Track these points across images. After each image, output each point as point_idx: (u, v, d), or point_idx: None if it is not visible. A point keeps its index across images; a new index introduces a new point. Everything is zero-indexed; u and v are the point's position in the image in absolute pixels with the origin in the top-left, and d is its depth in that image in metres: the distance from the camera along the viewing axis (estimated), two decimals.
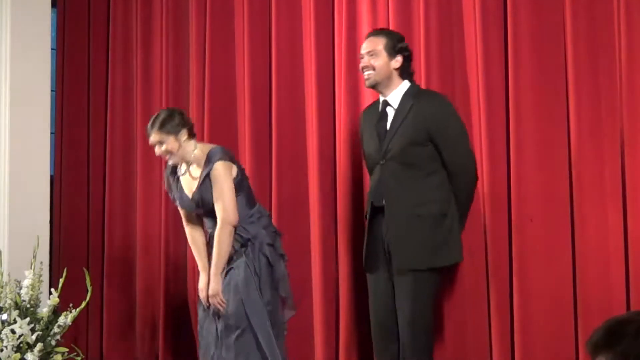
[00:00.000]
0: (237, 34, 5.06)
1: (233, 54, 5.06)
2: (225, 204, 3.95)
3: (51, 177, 5.54)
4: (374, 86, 3.90)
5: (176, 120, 4.06)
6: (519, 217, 4.00)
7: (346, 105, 4.51)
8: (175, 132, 4.03)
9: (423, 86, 4.20)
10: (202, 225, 4.16)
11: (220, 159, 3.98)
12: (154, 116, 4.13)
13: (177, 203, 4.17)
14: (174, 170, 4.16)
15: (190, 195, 4.06)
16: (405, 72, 3.87)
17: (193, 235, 4.17)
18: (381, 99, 3.92)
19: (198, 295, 4.11)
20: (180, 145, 4.03)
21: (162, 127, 4.03)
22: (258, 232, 4.00)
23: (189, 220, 4.19)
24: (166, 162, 4.18)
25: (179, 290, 5.18)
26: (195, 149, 4.06)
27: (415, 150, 3.75)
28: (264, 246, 3.98)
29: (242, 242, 3.98)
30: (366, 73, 3.88)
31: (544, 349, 3.90)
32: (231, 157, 4.06)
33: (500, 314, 4.02)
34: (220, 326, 3.95)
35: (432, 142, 3.74)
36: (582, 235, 3.85)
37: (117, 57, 5.61)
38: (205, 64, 5.09)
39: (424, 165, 3.75)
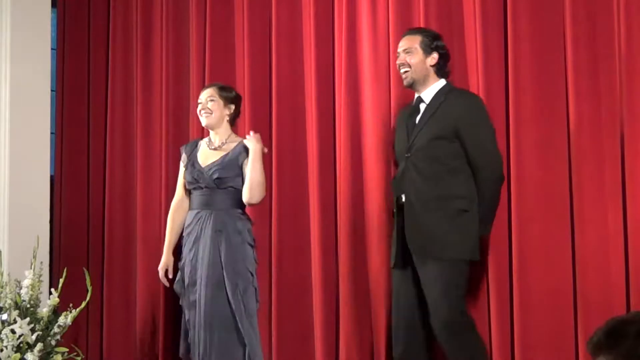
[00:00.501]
0: (237, 34, 5.06)
1: (233, 54, 5.05)
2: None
3: (51, 177, 5.54)
4: (411, 85, 3.94)
5: (234, 96, 4.41)
6: (519, 217, 4.00)
7: (346, 106, 4.52)
8: (227, 102, 4.36)
9: None
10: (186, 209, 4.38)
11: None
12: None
13: (186, 173, 4.37)
14: (192, 144, 4.47)
15: (204, 166, 4.28)
16: (441, 70, 3.91)
17: (176, 218, 4.41)
18: (416, 95, 3.96)
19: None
20: (221, 115, 4.34)
21: (222, 90, 4.38)
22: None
23: (181, 202, 4.41)
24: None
25: None
26: (228, 132, 4.38)
27: (440, 145, 3.77)
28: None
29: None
30: (403, 71, 3.93)
31: (544, 349, 3.90)
32: None
33: (500, 314, 4.02)
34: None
35: (458, 138, 3.76)
36: (582, 235, 3.85)
37: (117, 57, 5.61)
38: (205, 64, 5.09)
39: (448, 161, 3.76)
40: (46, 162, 5.46)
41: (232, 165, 4.25)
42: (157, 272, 5.32)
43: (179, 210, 4.40)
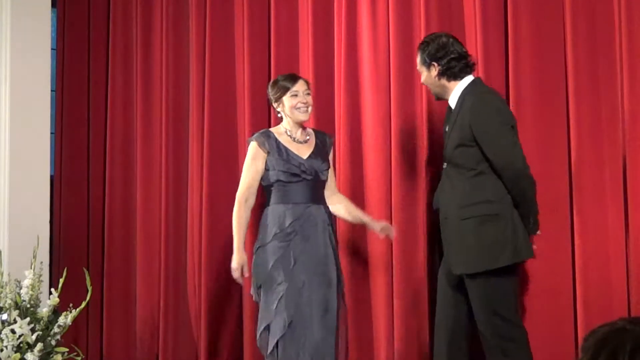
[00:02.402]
0: (237, 34, 5.06)
1: (233, 54, 5.06)
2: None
3: (51, 177, 5.54)
4: (439, 99, 3.90)
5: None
6: None
7: (346, 106, 4.51)
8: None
9: (424, 86, 4.20)
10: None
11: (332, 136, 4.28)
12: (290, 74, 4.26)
13: (286, 165, 4.04)
14: (270, 137, 4.10)
15: (305, 157, 4.06)
16: (452, 73, 3.77)
17: (245, 215, 4.08)
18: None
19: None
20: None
21: (308, 83, 4.16)
22: None
23: (251, 197, 4.09)
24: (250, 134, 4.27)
25: (179, 290, 5.18)
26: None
27: (462, 151, 3.67)
28: None
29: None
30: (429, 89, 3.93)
31: (544, 349, 3.89)
32: None
33: None
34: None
35: (476, 143, 3.66)
36: (582, 235, 3.85)
37: (117, 57, 5.61)
38: (205, 64, 5.09)
39: (470, 165, 3.66)
40: (46, 162, 5.46)
41: (325, 158, 4.12)
42: (157, 272, 5.32)
43: (246, 207, 4.06)
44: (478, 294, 3.62)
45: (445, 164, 3.79)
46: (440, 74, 3.77)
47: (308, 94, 4.10)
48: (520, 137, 3.98)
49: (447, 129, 3.80)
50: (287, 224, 3.98)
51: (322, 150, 4.12)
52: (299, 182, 4.02)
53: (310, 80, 4.62)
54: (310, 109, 4.10)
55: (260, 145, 4.08)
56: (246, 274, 4.04)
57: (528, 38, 4.04)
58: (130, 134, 5.51)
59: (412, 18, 4.37)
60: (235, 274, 4.03)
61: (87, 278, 4.50)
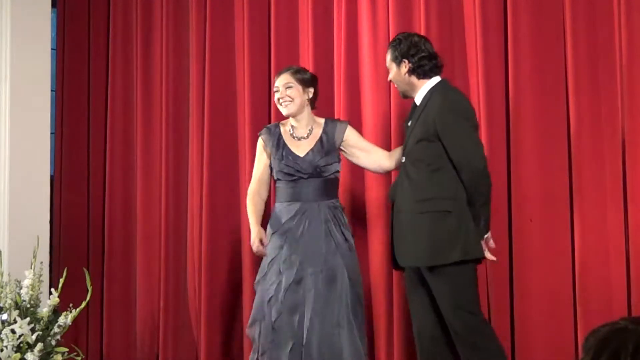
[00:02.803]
0: (237, 35, 5.06)
1: (233, 54, 5.06)
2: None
3: (51, 177, 5.54)
4: (405, 96, 3.91)
5: (311, 78, 4.12)
6: (519, 217, 4.00)
7: (345, 105, 4.51)
8: (305, 85, 4.08)
9: None
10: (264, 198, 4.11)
11: (345, 123, 4.12)
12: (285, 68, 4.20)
13: (280, 164, 4.03)
14: (274, 133, 4.11)
15: (302, 155, 4.02)
16: (422, 71, 3.81)
17: (257, 202, 4.08)
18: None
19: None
20: (302, 101, 4.06)
21: (298, 73, 4.09)
22: None
23: (259, 189, 4.10)
24: (264, 127, 4.19)
25: (179, 290, 5.18)
26: (311, 117, 4.10)
27: (424, 147, 3.71)
28: None
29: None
30: (395, 86, 3.94)
31: (544, 349, 3.90)
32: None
33: (500, 314, 4.02)
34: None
35: (438, 139, 3.69)
36: (582, 235, 3.85)
37: (117, 57, 5.61)
38: (205, 64, 5.09)
39: (431, 162, 3.70)
40: (46, 162, 5.45)
41: (332, 152, 4.03)
42: (157, 272, 5.33)
43: (257, 197, 4.08)
44: (440, 288, 3.65)
45: (404, 158, 3.81)
46: (410, 71, 3.81)
47: (289, 87, 4.05)
48: (520, 137, 4.00)
49: (409, 124, 3.83)
50: (282, 222, 3.99)
51: (327, 143, 4.04)
52: (295, 180, 4.01)
53: None
54: (290, 103, 4.04)
55: (264, 141, 4.12)
56: (265, 244, 3.99)
57: (528, 38, 4.04)
58: (130, 134, 5.51)
59: (412, 18, 4.37)
60: (254, 247, 4.01)
61: (87, 278, 4.50)
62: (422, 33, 4.24)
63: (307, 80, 4.10)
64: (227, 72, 5.06)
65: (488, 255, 3.72)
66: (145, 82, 5.43)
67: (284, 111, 4.09)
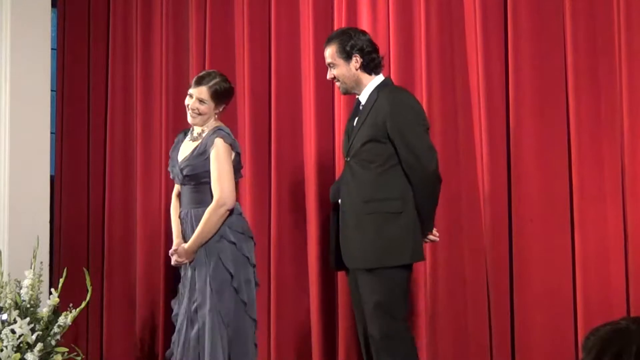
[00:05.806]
0: (237, 34, 5.06)
1: (233, 54, 5.06)
2: (224, 185, 3.88)
3: (51, 177, 5.54)
4: (347, 93, 3.87)
5: (228, 96, 4.05)
6: (519, 217, 4.00)
7: (345, 105, 4.51)
8: (219, 103, 4.01)
9: (424, 86, 4.22)
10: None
11: (223, 137, 3.94)
12: (205, 72, 4.13)
13: (169, 169, 4.12)
14: (185, 134, 4.15)
15: (179, 160, 4.02)
16: (369, 67, 3.75)
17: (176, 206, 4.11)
18: (357, 97, 3.86)
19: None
20: (210, 115, 4.01)
21: (216, 94, 3.99)
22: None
23: (177, 192, 4.13)
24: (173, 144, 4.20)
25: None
26: (213, 123, 4.04)
27: (373, 147, 3.64)
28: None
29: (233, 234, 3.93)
30: (337, 84, 3.86)
31: (544, 349, 3.90)
32: (233, 141, 4.00)
33: (500, 314, 4.02)
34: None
35: (389, 139, 3.62)
36: (582, 235, 3.85)
37: (117, 57, 5.61)
38: (205, 64, 5.08)
39: (381, 162, 3.63)
40: (46, 162, 5.45)
41: (201, 159, 3.95)
42: (157, 272, 5.32)
43: (176, 201, 4.12)
44: (371, 291, 3.59)
45: (348, 158, 3.75)
46: (362, 67, 3.73)
47: (202, 102, 3.97)
48: (520, 137, 4.00)
49: (354, 124, 3.76)
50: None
51: (200, 152, 3.95)
52: (181, 185, 4.05)
53: (311, 80, 4.63)
54: (198, 117, 3.98)
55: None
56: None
57: (528, 38, 4.04)
58: (130, 134, 5.50)
59: (412, 18, 4.37)
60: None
61: (87, 278, 4.50)
62: (422, 33, 4.27)
63: (222, 96, 4.02)
64: (227, 72, 5.04)
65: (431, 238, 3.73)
66: (145, 81, 5.42)
67: (189, 119, 4.04)
